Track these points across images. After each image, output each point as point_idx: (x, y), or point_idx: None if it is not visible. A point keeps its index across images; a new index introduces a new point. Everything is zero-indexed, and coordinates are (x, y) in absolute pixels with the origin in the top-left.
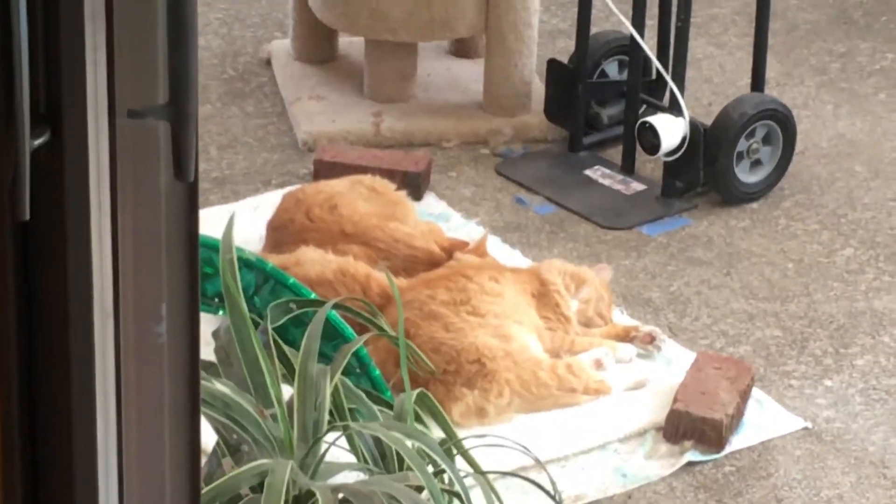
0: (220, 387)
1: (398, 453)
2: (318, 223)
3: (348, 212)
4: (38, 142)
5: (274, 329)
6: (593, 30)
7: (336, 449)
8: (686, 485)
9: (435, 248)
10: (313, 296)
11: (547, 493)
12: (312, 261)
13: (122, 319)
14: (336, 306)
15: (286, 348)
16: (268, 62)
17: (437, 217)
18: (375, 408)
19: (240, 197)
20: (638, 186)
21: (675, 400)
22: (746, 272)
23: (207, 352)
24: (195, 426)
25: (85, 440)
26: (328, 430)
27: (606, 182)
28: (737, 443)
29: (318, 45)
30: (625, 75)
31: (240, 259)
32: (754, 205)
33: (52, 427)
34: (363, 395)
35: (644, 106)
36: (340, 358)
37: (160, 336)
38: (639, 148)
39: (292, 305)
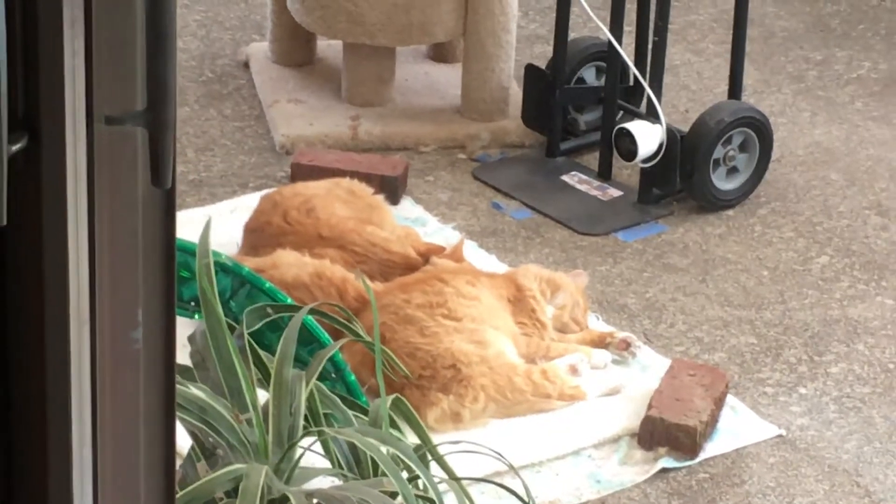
0: (196, 391)
1: (373, 459)
2: (295, 226)
3: (325, 215)
4: (15, 147)
5: (250, 334)
6: (571, 35)
7: (311, 454)
8: (660, 491)
9: (411, 253)
10: (289, 300)
11: (520, 499)
12: (289, 264)
13: (98, 325)
14: (312, 311)
15: (262, 353)
16: (246, 65)
17: (413, 221)
18: (350, 413)
19: (217, 199)
20: (614, 192)
21: (650, 406)
22: (722, 279)
23: (183, 356)
24: (170, 432)
25: (60, 446)
26: (303, 436)
27: (583, 188)
28: (711, 450)
29: (296, 49)
30: (602, 81)
31: (216, 263)
32: (730, 212)
33: (26, 433)
34: (338, 401)
35: (621, 112)
36: (316, 363)
37: (136, 342)
38: (616, 154)
39: (269, 310)
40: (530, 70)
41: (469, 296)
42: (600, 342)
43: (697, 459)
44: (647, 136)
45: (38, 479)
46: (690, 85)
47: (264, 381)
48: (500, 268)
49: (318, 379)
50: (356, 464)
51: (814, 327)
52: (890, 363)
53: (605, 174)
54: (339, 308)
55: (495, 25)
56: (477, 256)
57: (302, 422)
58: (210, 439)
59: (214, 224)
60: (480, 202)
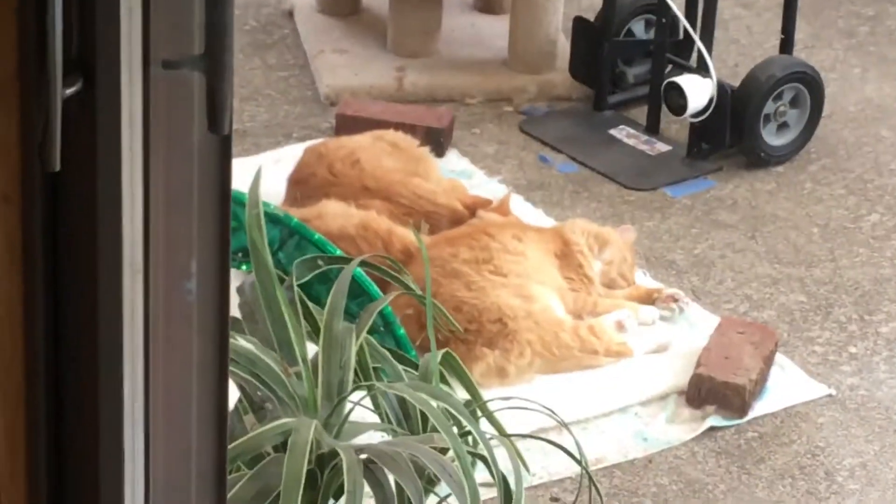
0: (245, 343)
1: (423, 414)
2: (341, 178)
3: (371, 167)
4: (69, 91)
5: (299, 285)
6: None
7: (360, 409)
8: (708, 450)
9: (458, 206)
10: (339, 252)
11: (571, 455)
12: (335, 214)
13: (151, 275)
14: (362, 263)
15: (311, 305)
16: (290, 14)
17: (459, 174)
18: (400, 367)
19: (261, 150)
20: (663, 147)
21: (698, 364)
22: (771, 236)
23: (231, 307)
24: (223, 385)
25: (112, 398)
26: (353, 390)
27: (631, 142)
28: (759, 409)
29: None
30: (651, 34)
31: (265, 214)
32: (780, 168)
33: (77, 384)
34: (388, 355)
35: (670, 66)
36: (366, 317)
37: (189, 293)
38: (664, 108)
39: (319, 262)
40: (578, 22)
41: (515, 251)
42: (648, 298)
43: (746, 419)
44: (697, 91)
45: (89, 432)
46: (740, 39)
47: (313, 334)
48: (547, 222)
49: (368, 332)
50: (406, 419)
51: (864, 286)
52: None
53: (653, 128)
54: (389, 260)
55: None
56: (523, 210)
57: (352, 376)
58: (259, 392)
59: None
60: (527, 155)
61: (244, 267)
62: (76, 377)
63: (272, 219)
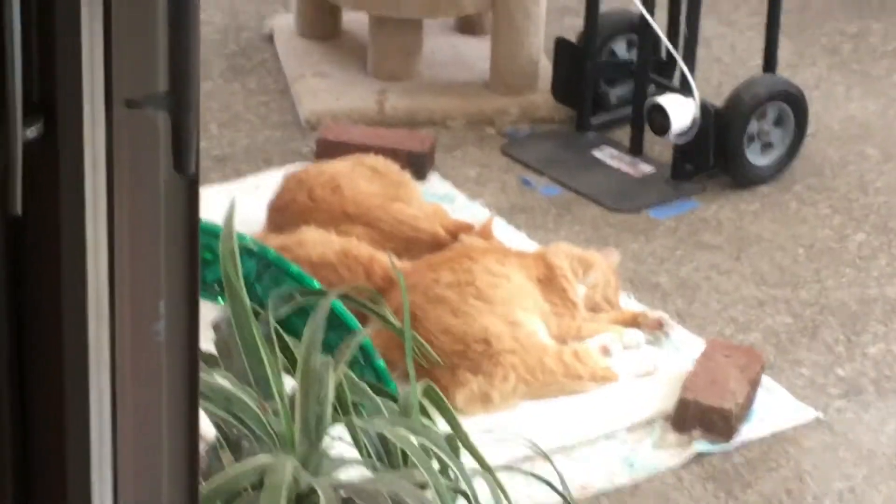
0: (221, 380)
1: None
2: (321, 204)
3: (351, 192)
4: (31, 132)
5: (276, 318)
6: (602, 8)
7: (340, 444)
8: (694, 476)
9: (439, 231)
10: (316, 284)
11: (554, 488)
12: (315, 242)
13: (118, 319)
14: (340, 296)
15: (288, 339)
16: (270, 38)
17: (441, 198)
18: (380, 400)
19: (241, 175)
20: (646, 168)
21: (684, 388)
22: (757, 257)
23: (207, 342)
24: (193, 427)
25: (78, 445)
26: (332, 425)
27: (614, 163)
28: (746, 433)
29: (321, 21)
30: (634, 55)
31: (241, 246)
32: (765, 188)
33: (44, 429)
34: (367, 388)
35: (653, 86)
36: (345, 350)
37: (158, 335)
38: (647, 129)
39: (296, 295)
40: (560, 43)
41: (498, 275)
42: (632, 322)
43: (733, 443)
44: (680, 111)
45: (56, 479)
46: (723, 58)
47: (291, 369)
48: (530, 245)
49: (347, 365)
50: (386, 453)
51: (851, 306)
52: None
53: (636, 149)
54: (366, 291)
55: None
56: (506, 234)
57: (330, 411)
58: (235, 430)
59: (238, 201)
60: (509, 178)
61: (221, 299)
62: (43, 424)
63: (248, 251)
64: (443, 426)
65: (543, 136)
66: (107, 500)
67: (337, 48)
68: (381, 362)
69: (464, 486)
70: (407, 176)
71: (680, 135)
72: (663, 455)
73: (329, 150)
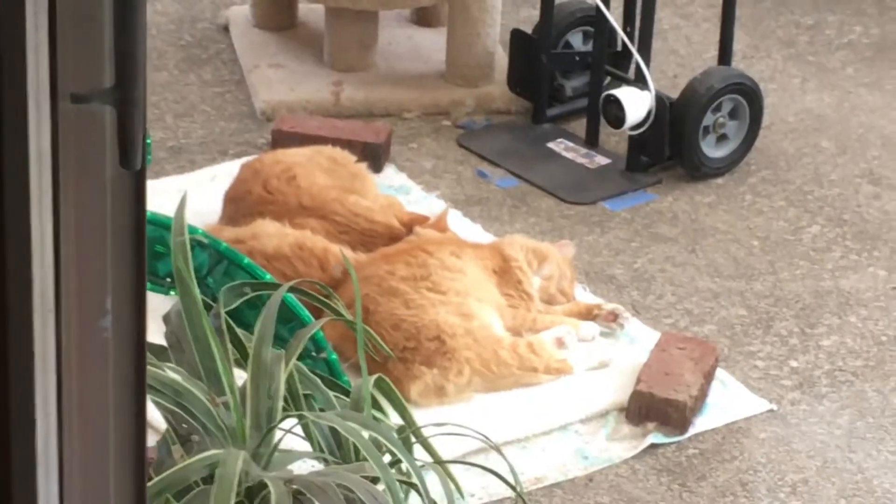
0: (171, 374)
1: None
2: (276, 195)
3: (307, 184)
4: None
5: (228, 311)
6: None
7: (291, 437)
8: (648, 467)
9: (394, 223)
10: (268, 277)
11: (505, 481)
12: (269, 234)
13: (64, 315)
14: (291, 290)
15: (240, 332)
16: (226, 28)
17: (396, 190)
18: (332, 394)
19: (196, 166)
20: (602, 160)
21: (639, 381)
22: (711, 249)
23: (158, 335)
24: (140, 423)
25: (23, 441)
26: (282, 419)
27: (570, 155)
28: (700, 425)
29: (277, 12)
30: (590, 46)
31: (192, 239)
32: (720, 180)
33: None
34: (319, 382)
35: (609, 78)
36: (296, 343)
37: (105, 331)
38: (603, 121)
39: (247, 290)
40: (516, 35)
41: (453, 268)
42: (588, 314)
43: (687, 435)
44: (636, 103)
45: (1, 474)
46: (679, 50)
47: (242, 362)
48: (486, 237)
49: (299, 358)
50: (337, 447)
51: (805, 299)
52: (882, 335)
53: (592, 141)
54: (318, 285)
55: None
56: (462, 226)
57: (281, 404)
58: (185, 424)
59: (194, 192)
60: (465, 170)
61: (173, 292)
62: None
63: (200, 243)
64: (396, 419)
65: (499, 127)
66: (52, 495)
67: (293, 39)
68: (333, 355)
69: (415, 480)
70: (363, 168)
71: (635, 127)
72: (617, 447)
73: (284, 140)
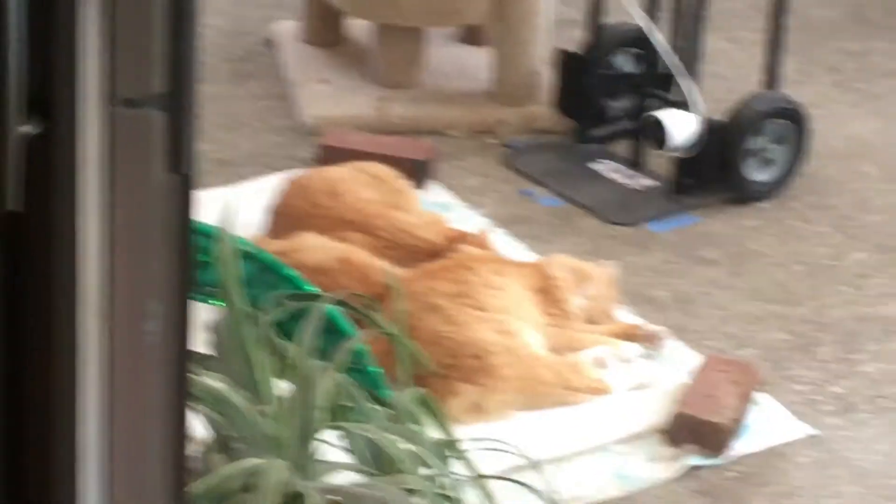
0: (214, 382)
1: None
2: (321, 210)
3: (351, 199)
4: (27, 130)
5: (271, 322)
6: (605, 20)
7: (331, 448)
8: (687, 489)
9: (438, 239)
10: (311, 289)
11: (542, 498)
12: (314, 247)
13: (109, 317)
14: (335, 302)
15: (283, 343)
16: (274, 44)
17: (441, 207)
18: (372, 406)
19: (242, 179)
20: (646, 182)
21: (678, 402)
22: (755, 273)
23: (202, 345)
24: (181, 429)
25: (66, 442)
26: (323, 430)
27: (614, 176)
28: (740, 448)
29: (325, 28)
30: (636, 68)
31: (238, 249)
32: (765, 204)
33: (33, 429)
34: (360, 394)
35: (655, 100)
36: (338, 355)
37: (150, 334)
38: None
39: (290, 300)
40: (563, 55)
41: (495, 285)
42: (628, 335)
43: (727, 458)
44: (679, 125)
45: (44, 478)
46: (726, 74)
47: (283, 372)
48: (528, 256)
49: (341, 371)
50: (377, 459)
51: (847, 325)
52: None
53: (636, 163)
54: (362, 297)
55: (528, 9)
56: (505, 244)
57: (322, 415)
58: (226, 432)
59: (239, 205)
60: (509, 189)
61: (213, 301)
62: (32, 423)
63: (245, 254)
64: (435, 433)
65: (544, 147)
66: (93, 499)
67: (339, 55)
68: (375, 368)
69: (453, 494)
70: (407, 184)
71: (679, 149)
72: (655, 468)
73: (331, 156)
